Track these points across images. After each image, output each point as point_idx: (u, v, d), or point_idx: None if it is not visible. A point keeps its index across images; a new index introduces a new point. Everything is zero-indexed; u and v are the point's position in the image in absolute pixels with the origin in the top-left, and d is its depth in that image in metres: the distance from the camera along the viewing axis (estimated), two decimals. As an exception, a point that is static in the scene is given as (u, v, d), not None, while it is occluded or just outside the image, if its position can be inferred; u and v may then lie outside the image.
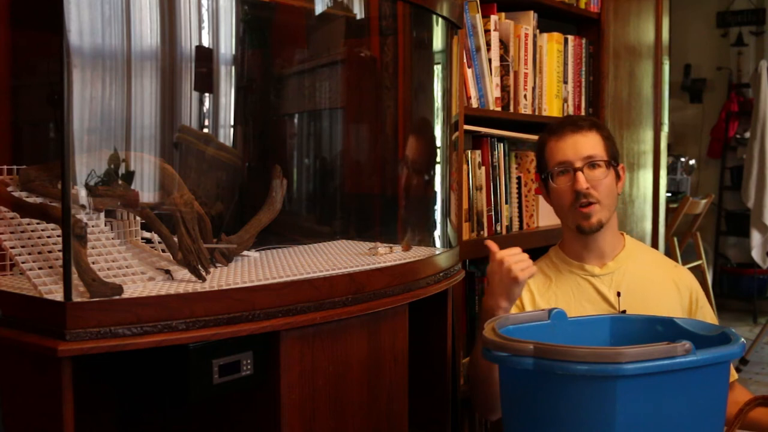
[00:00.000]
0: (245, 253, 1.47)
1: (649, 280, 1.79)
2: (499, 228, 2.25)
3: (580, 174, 1.72)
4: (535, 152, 1.87)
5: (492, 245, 1.66)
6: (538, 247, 2.28)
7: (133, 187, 1.31)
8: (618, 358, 1.08)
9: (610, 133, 1.82)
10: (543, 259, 1.88)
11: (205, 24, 1.52)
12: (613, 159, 1.77)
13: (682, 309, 1.78)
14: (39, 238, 1.24)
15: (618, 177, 1.79)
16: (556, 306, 1.72)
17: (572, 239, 1.81)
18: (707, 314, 1.79)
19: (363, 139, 1.96)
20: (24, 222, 1.26)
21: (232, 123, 1.66)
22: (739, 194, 5.47)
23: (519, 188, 2.36)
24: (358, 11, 1.88)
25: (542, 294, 1.80)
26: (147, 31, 1.41)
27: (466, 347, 2.17)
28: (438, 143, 1.80)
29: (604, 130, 1.80)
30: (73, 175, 1.20)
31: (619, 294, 1.75)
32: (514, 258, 1.61)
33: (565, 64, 2.55)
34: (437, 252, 1.66)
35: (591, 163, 1.73)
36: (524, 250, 2.21)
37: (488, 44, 2.21)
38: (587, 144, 1.74)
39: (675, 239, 4.76)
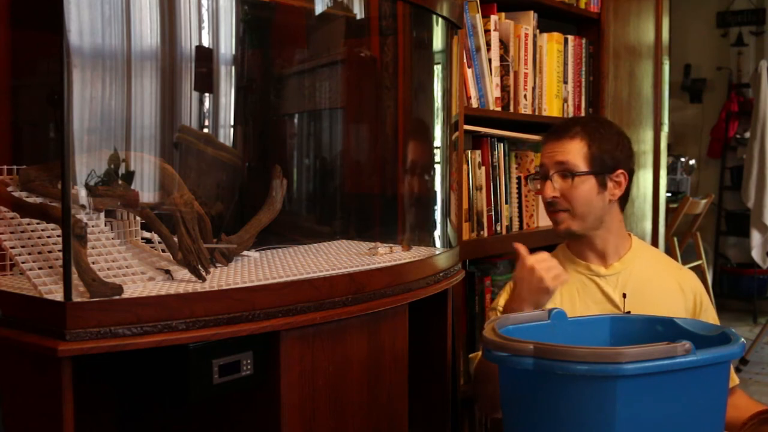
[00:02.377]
0: (245, 253, 1.47)
1: (653, 281, 1.79)
2: (499, 228, 2.25)
3: (548, 182, 1.74)
4: None
5: (521, 249, 1.61)
6: (537, 247, 2.27)
7: (133, 187, 1.31)
8: (618, 358, 1.08)
9: (603, 142, 1.75)
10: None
11: (205, 24, 1.52)
12: (600, 167, 1.72)
13: (686, 311, 1.78)
14: (39, 238, 1.24)
15: (604, 186, 1.74)
16: (561, 305, 1.73)
17: (572, 240, 1.82)
18: (710, 317, 1.79)
19: (363, 139, 1.96)
20: (24, 222, 1.26)
21: (232, 123, 1.66)
22: (739, 194, 5.46)
23: (519, 188, 2.36)
24: (358, 11, 1.88)
25: None
26: (147, 31, 1.41)
27: (466, 347, 2.17)
28: (438, 143, 1.80)
29: (593, 136, 1.73)
30: (73, 175, 1.20)
31: (624, 295, 1.74)
32: (545, 265, 1.56)
33: (565, 64, 2.55)
34: (437, 252, 1.66)
35: (562, 171, 1.72)
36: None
37: (488, 44, 2.21)
38: (563, 151, 1.72)
39: (675, 239, 4.76)
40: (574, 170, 1.72)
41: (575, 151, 1.73)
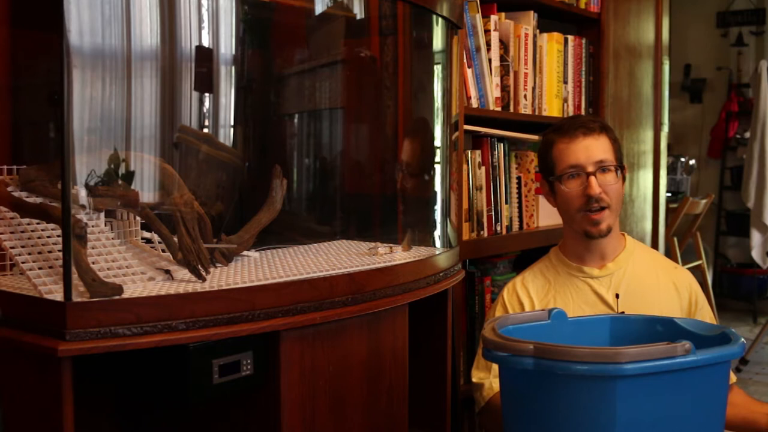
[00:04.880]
0: (245, 253, 1.47)
1: (648, 281, 1.78)
2: (499, 228, 2.25)
3: (593, 179, 1.70)
4: (539, 151, 1.84)
5: None
6: (538, 247, 2.28)
7: (133, 187, 1.31)
8: (618, 358, 1.08)
9: (616, 136, 1.80)
10: (543, 260, 1.88)
11: (205, 24, 1.52)
12: (621, 163, 1.76)
13: (681, 310, 1.77)
14: (39, 238, 1.24)
15: (624, 182, 1.78)
16: None
17: (574, 241, 1.80)
18: (707, 315, 1.79)
19: (363, 139, 1.96)
20: (24, 222, 1.26)
21: (232, 123, 1.66)
22: (739, 194, 5.46)
23: (519, 188, 2.36)
24: (358, 11, 1.88)
25: (541, 299, 1.80)
26: (147, 31, 1.41)
27: (466, 347, 2.17)
28: (438, 143, 1.79)
29: (611, 132, 1.78)
30: (73, 175, 1.20)
31: (617, 296, 1.74)
32: None
33: (565, 64, 2.55)
34: (437, 252, 1.66)
35: (603, 167, 1.72)
36: (524, 250, 2.20)
37: (488, 44, 2.20)
38: (599, 148, 1.72)
39: (675, 239, 4.76)
40: (612, 166, 1.73)
41: (607, 147, 1.74)
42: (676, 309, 1.77)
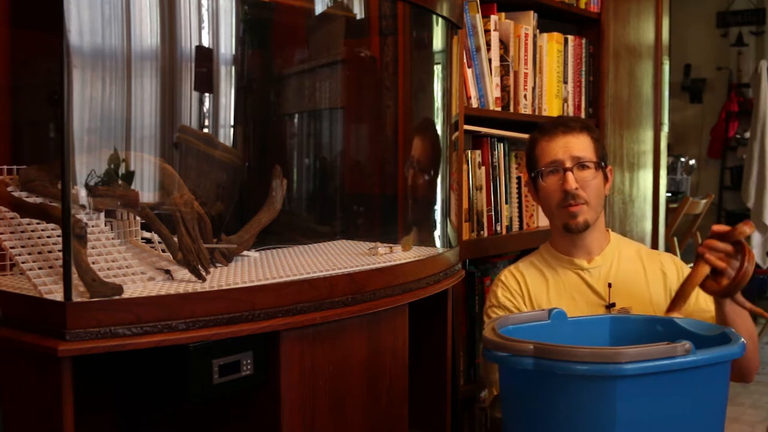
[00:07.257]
0: (245, 253, 1.47)
1: (636, 271, 1.82)
2: (499, 228, 2.25)
3: (569, 174, 1.75)
4: (525, 150, 1.90)
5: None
6: (536, 247, 2.27)
7: (133, 187, 1.31)
8: (618, 358, 1.08)
9: (599, 135, 1.85)
10: (534, 254, 1.91)
11: (205, 24, 1.52)
12: (602, 161, 1.80)
13: (670, 289, 1.80)
14: (39, 238, 1.24)
15: (606, 178, 1.82)
16: (548, 298, 1.78)
17: (560, 237, 1.84)
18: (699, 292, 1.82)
19: (363, 139, 1.96)
20: (24, 222, 1.26)
21: (232, 123, 1.66)
22: (739, 194, 5.46)
23: (519, 188, 2.36)
24: (358, 11, 1.88)
25: (537, 287, 1.83)
26: (147, 31, 1.41)
27: (466, 347, 2.17)
28: (438, 143, 1.80)
29: (594, 132, 1.83)
30: (73, 175, 1.20)
31: (610, 285, 1.77)
32: None
33: (565, 64, 2.55)
34: (437, 252, 1.66)
35: (580, 163, 1.76)
36: (524, 251, 2.22)
37: (488, 44, 2.21)
38: (578, 145, 1.77)
39: (675, 239, 4.76)
40: (591, 162, 1.77)
41: (587, 145, 1.78)
42: (664, 294, 1.80)
